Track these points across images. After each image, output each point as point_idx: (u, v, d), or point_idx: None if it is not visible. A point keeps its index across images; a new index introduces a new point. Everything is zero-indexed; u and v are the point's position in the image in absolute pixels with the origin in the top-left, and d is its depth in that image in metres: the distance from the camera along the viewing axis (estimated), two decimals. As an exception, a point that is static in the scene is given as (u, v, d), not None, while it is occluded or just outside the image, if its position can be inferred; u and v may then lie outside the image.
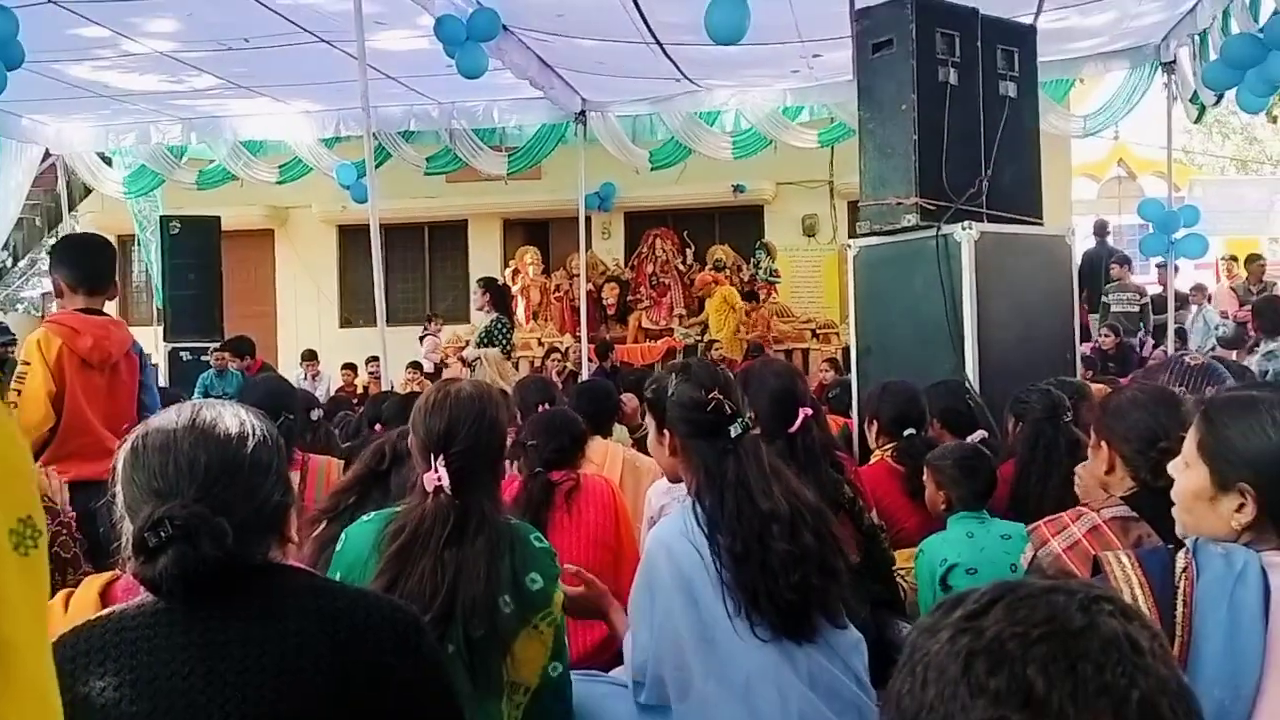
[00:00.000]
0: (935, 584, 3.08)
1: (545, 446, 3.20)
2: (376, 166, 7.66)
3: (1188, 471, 1.71)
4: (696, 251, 14.00)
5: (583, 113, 10.47)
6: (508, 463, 2.93)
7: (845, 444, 4.62)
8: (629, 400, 5.32)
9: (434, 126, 10.65)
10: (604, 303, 13.62)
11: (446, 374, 10.69)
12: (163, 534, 1.37)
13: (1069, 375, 4.41)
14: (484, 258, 15.12)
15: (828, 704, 2.17)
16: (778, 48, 8.56)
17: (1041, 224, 5.10)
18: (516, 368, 10.80)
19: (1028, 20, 6.54)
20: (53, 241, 12.78)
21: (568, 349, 12.26)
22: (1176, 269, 10.33)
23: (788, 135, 10.37)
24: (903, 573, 3.28)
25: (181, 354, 10.88)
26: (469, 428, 2.14)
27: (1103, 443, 2.38)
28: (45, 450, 3.64)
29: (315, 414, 4.37)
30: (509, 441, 2.47)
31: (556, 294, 13.80)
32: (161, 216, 11.69)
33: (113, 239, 4.50)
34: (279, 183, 11.58)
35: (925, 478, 3.35)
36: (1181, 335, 10.38)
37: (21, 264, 15.57)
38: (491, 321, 10.67)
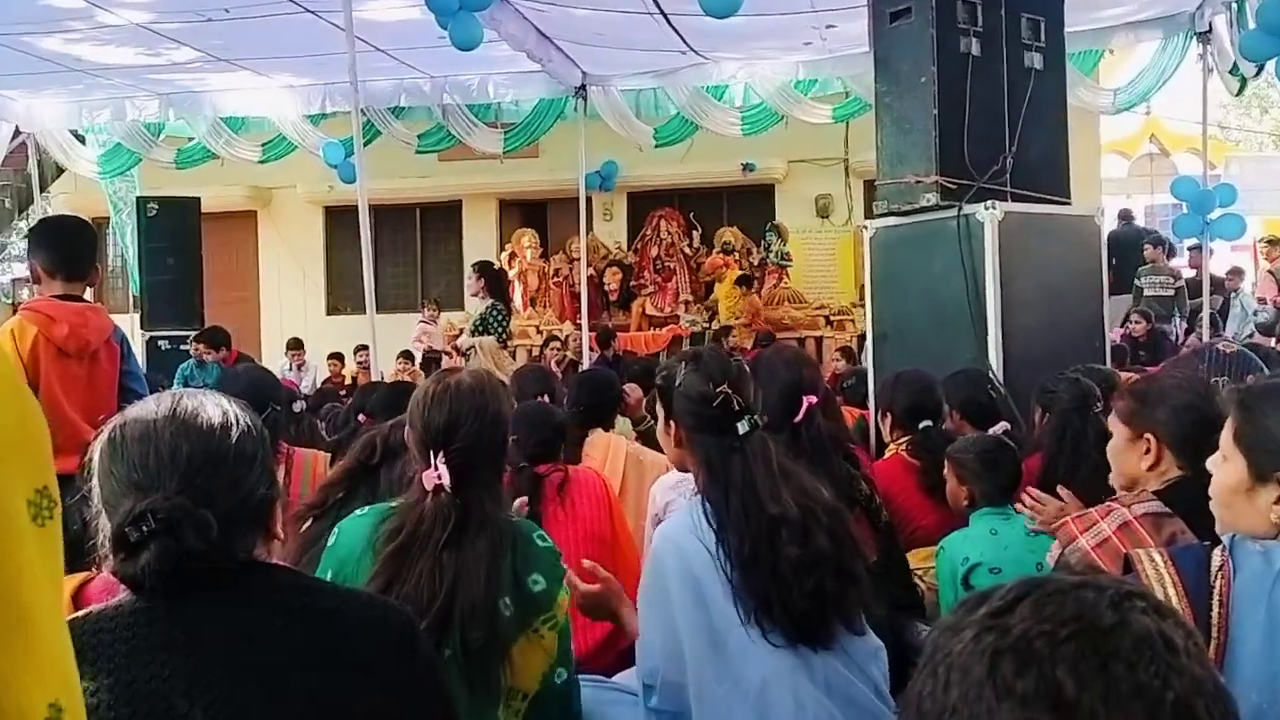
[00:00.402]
0: (957, 584, 3.08)
1: (527, 440, 3.20)
2: (365, 144, 7.66)
3: (1225, 465, 1.70)
4: (704, 234, 14.00)
5: (583, 87, 10.45)
6: None
7: (861, 436, 4.62)
8: (632, 391, 5.31)
9: (426, 102, 10.64)
10: (606, 288, 13.62)
11: (446, 364, 10.68)
12: (145, 528, 1.38)
13: (1098, 363, 4.40)
14: (479, 240, 15.13)
15: (844, 712, 2.17)
16: (789, 18, 8.54)
17: (1069, 203, 5.09)
18: (513, 357, 10.80)
19: (1055, -13, 6.51)
20: (24, 225, 12.80)
21: (567, 337, 12.27)
22: (1212, 251, 10.29)
23: (800, 110, 10.34)
24: (921, 572, 3.29)
25: (160, 343, 10.87)
26: (471, 422, 2.13)
27: (1146, 435, 2.37)
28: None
29: (298, 405, 4.38)
30: None
31: (555, 279, 13.81)
32: (138, 197, 11.68)
33: (87, 220, 4.51)
34: (262, 161, 11.57)
35: (946, 471, 3.35)
36: (1216, 321, 10.36)
37: (-9, 248, 15.59)
38: (487, 308, 10.64)
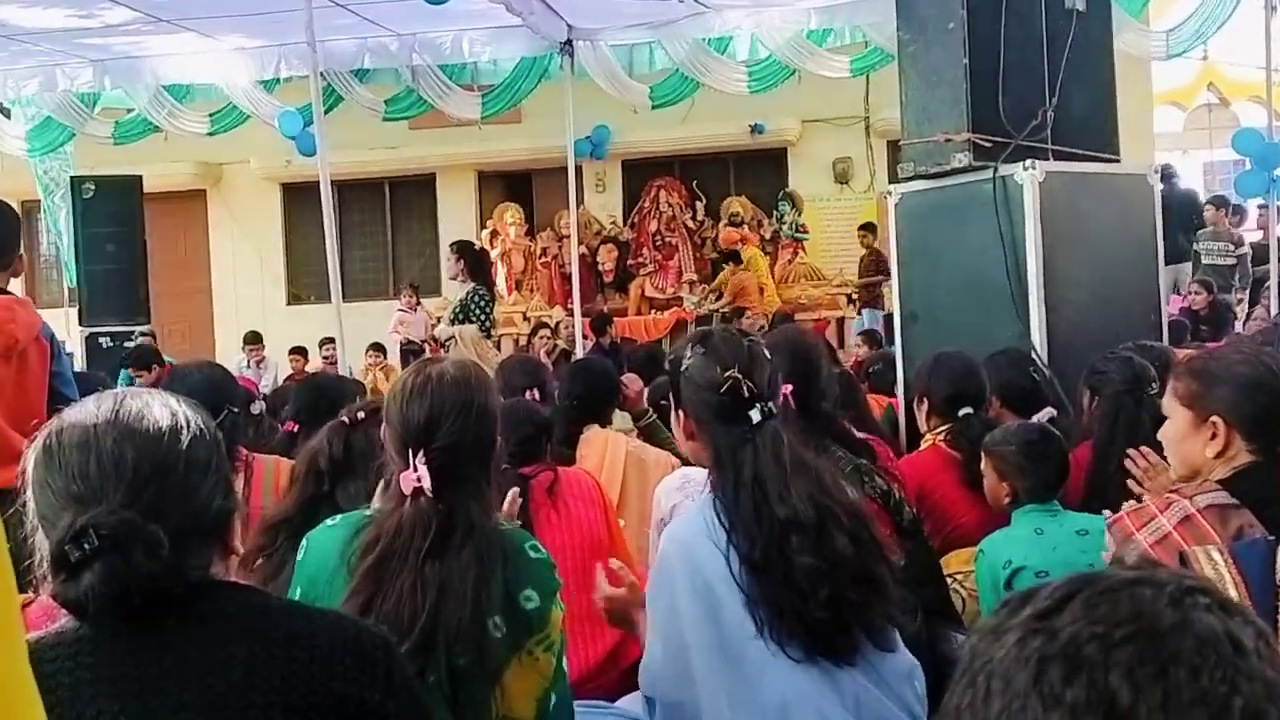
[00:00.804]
0: (999, 590, 3.08)
1: (509, 440, 3.21)
2: (326, 112, 7.66)
3: None
4: (708, 205, 14.01)
5: (569, 42, 10.42)
6: None
7: (890, 427, 4.63)
8: (632, 383, 5.30)
9: (393, 63, 10.62)
10: (600, 268, 13.64)
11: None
12: (87, 546, 1.37)
13: (1153, 341, 4.41)
14: (456, 218, 15.13)
15: (877, 735, 2.18)
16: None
17: (1119, 161, 5.09)
18: (498, 348, 10.80)
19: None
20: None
21: (558, 324, 12.28)
22: (1280, 212, 10.30)
23: (814, 63, 10.32)
24: (960, 577, 3.29)
25: (101, 339, 10.89)
26: (455, 418, 2.13)
27: (1213, 418, 2.37)
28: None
29: (257, 407, 4.36)
30: None
31: (543, 259, 13.82)
32: (72, 177, 11.68)
33: (15, 205, 4.47)
34: (210, 134, 11.56)
35: (984, 466, 3.36)
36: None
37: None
38: (467, 293, 10.63)
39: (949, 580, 3.30)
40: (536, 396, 4.03)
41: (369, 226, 15.80)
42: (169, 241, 14.35)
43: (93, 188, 11.34)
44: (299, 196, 14.85)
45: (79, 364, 10.24)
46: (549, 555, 2.26)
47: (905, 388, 4.74)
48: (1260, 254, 10.75)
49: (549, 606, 2.17)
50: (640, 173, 14.65)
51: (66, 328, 10.98)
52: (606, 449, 3.95)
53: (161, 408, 1.53)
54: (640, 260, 13.74)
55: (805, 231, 13.54)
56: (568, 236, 12.28)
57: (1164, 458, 2.62)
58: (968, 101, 4.67)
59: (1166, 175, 13.12)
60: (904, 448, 4.29)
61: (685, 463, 3.67)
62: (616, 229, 14.15)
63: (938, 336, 4.63)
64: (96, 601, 1.38)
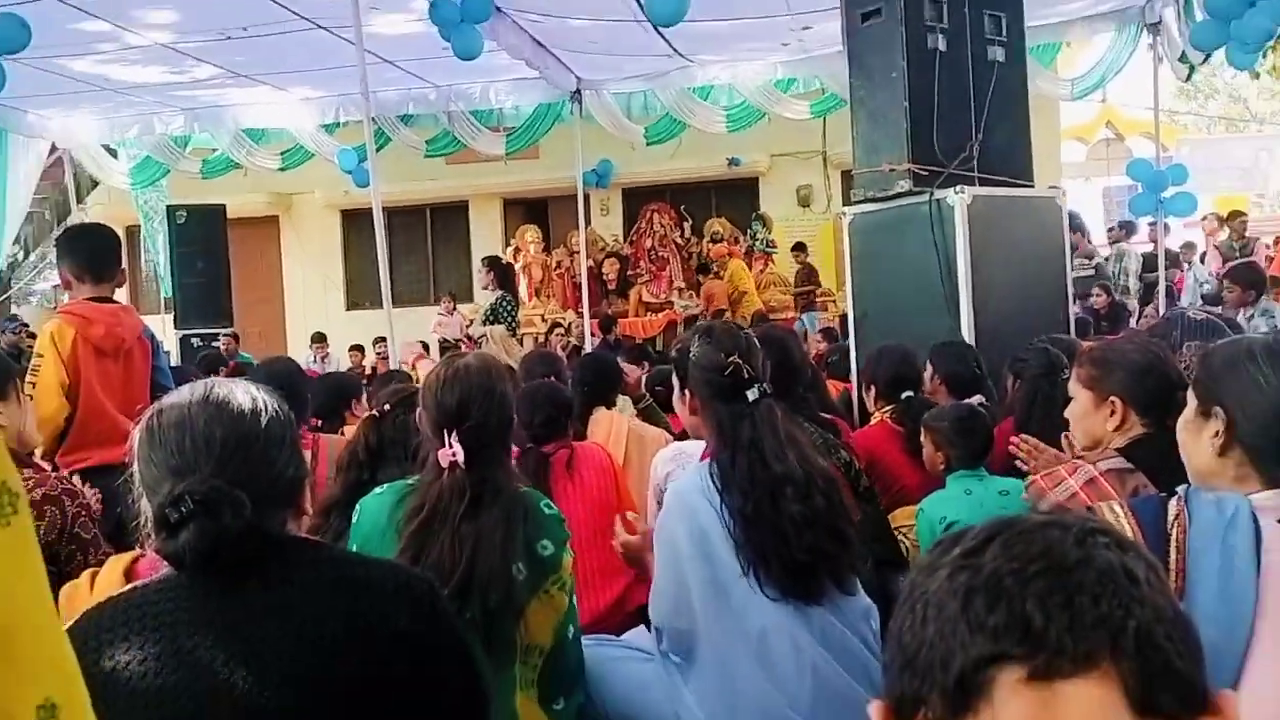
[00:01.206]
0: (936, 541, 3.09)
1: (533, 421, 3.20)
2: (377, 150, 7.62)
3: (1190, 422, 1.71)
4: (694, 225, 13.97)
5: (578, 91, 10.40)
6: None
7: (845, 408, 4.63)
8: (631, 372, 5.32)
9: (432, 109, 10.58)
10: (605, 278, 13.61)
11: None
12: (184, 509, 1.38)
13: (1063, 334, 4.40)
14: (485, 237, 15.10)
15: (839, 659, 2.19)
16: (767, 21, 8.50)
17: (1033, 185, 5.08)
18: (521, 344, 10.80)
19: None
20: (63, 234, 12.72)
21: (570, 324, 12.25)
22: (1167, 228, 10.28)
23: (780, 107, 10.30)
24: (905, 530, 3.30)
25: (192, 340, 10.88)
26: (481, 402, 2.15)
27: (1112, 398, 2.37)
28: (65, 439, 3.66)
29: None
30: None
31: (558, 271, 13.79)
32: (168, 206, 11.66)
33: (121, 230, 4.46)
34: (281, 169, 11.53)
35: (923, 438, 3.36)
36: (1172, 293, 10.36)
37: (33, 257, 15.51)
38: (496, 299, 10.66)
39: (895, 532, 3.31)
40: (552, 380, 4.02)
41: (413, 245, 15.76)
42: (248, 259, 14.30)
43: (184, 215, 11.33)
44: (355, 221, 14.82)
45: (174, 360, 10.24)
46: (559, 511, 2.28)
47: (857, 375, 4.74)
48: (1150, 262, 10.76)
49: (561, 553, 2.19)
50: (637, 199, 14.62)
51: (164, 331, 10.93)
52: (612, 427, 3.95)
53: (244, 394, 1.53)
54: (638, 271, 13.72)
55: (774, 246, 13.52)
56: (578, 252, 12.24)
57: (1069, 432, 2.62)
58: (908, 137, 4.66)
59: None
60: (857, 424, 4.29)
61: (677, 439, 3.69)
62: (618, 245, 14.12)
63: (884, 332, 4.62)
64: (192, 555, 1.38)
